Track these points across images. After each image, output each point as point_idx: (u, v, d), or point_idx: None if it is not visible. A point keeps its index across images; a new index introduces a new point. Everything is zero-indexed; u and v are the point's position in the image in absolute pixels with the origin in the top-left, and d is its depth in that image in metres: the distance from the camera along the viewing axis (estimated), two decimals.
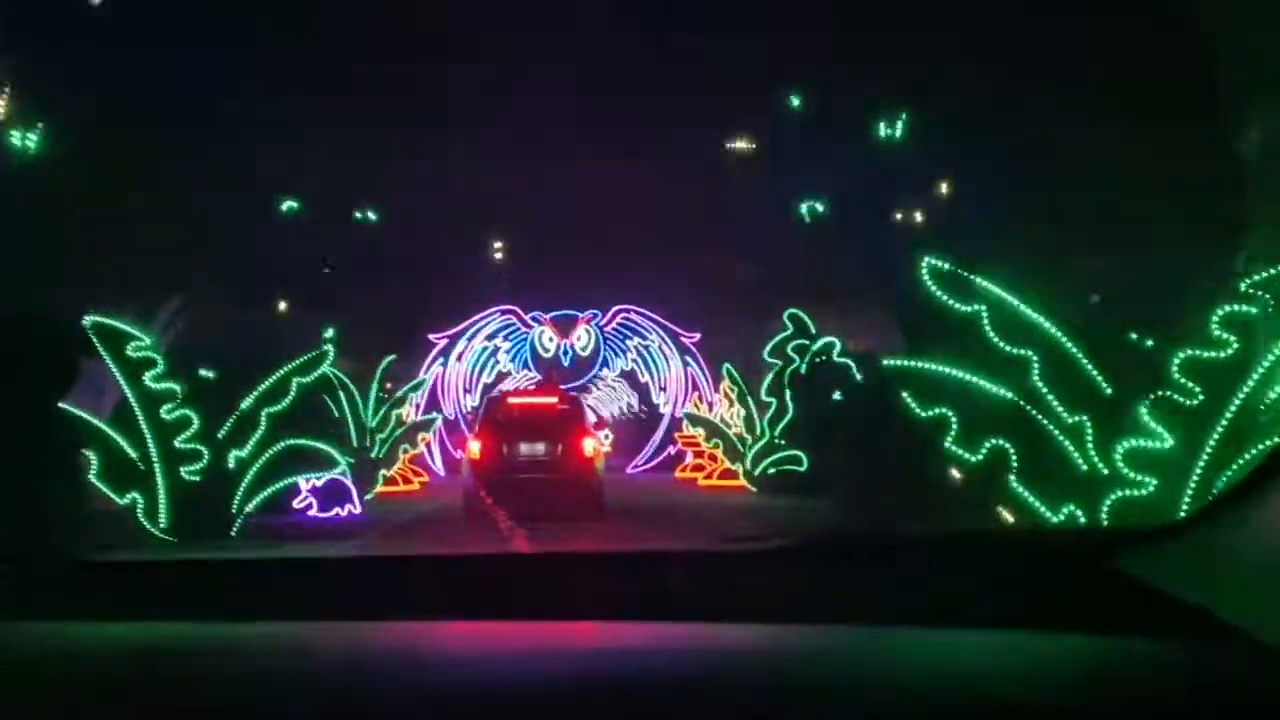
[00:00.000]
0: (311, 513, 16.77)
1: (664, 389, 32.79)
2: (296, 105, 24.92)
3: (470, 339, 32.80)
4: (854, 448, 13.45)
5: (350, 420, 19.35)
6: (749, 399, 20.96)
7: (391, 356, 20.64)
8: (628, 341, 32.93)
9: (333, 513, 16.83)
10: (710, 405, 29.58)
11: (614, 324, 32.98)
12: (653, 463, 32.31)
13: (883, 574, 1.79)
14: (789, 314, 20.33)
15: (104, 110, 19.26)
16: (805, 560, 1.97)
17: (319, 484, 16.70)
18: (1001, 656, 1.46)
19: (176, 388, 11.97)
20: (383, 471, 19.90)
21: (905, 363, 8.69)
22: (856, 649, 1.55)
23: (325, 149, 27.00)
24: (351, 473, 19.07)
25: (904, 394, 8.67)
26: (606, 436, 37.38)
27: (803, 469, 19.84)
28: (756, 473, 20.39)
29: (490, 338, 32.85)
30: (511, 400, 16.46)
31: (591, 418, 23.07)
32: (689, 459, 28.76)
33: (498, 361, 32.87)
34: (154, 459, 11.80)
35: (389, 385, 21.81)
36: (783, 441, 20.20)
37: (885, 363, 9.10)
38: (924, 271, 8.62)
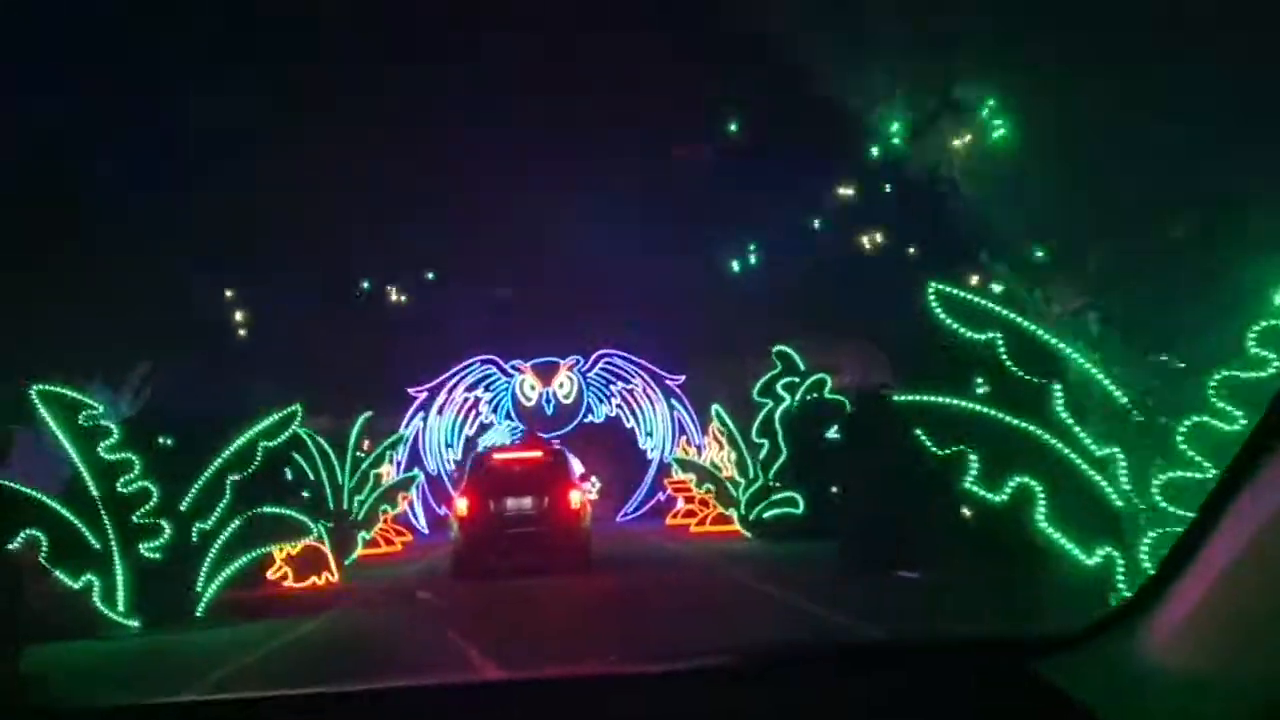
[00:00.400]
0: (287, 583, 15.90)
1: (650, 434, 32.03)
2: (261, 154, 24.30)
3: (450, 391, 32.01)
4: (855, 489, 12.72)
5: (327, 482, 18.51)
6: (740, 441, 20.23)
7: (368, 413, 19.82)
8: (611, 386, 32.21)
9: (309, 582, 15.97)
10: (699, 449, 28.85)
11: (597, 369, 32.28)
12: (642, 510, 31.47)
13: (818, 695, 1.78)
14: (776, 350, 19.69)
15: (54, 166, 18.53)
16: (746, 681, 1.94)
17: (294, 553, 15.87)
18: None
19: (134, 458, 11.14)
20: (363, 534, 19.02)
21: (917, 397, 7.99)
22: None
23: (297, 201, 26.37)
24: (329, 538, 18.25)
25: (917, 432, 7.96)
26: (593, 485, 36.46)
27: (800, 512, 19.09)
28: (752, 517, 19.62)
29: (470, 389, 32.07)
30: (497, 456, 16.40)
31: (577, 469, 22.79)
32: (680, 505, 27.95)
33: (479, 413, 32.06)
34: (110, 537, 10.95)
35: (367, 443, 20.97)
36: (777, 484, 19.46)
37: (895, 398, 8.38)
38: (931, 297, 7.96)
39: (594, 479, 39.54)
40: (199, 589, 11.37)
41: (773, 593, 12.21)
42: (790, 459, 19.35)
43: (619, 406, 32.08)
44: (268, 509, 12.02)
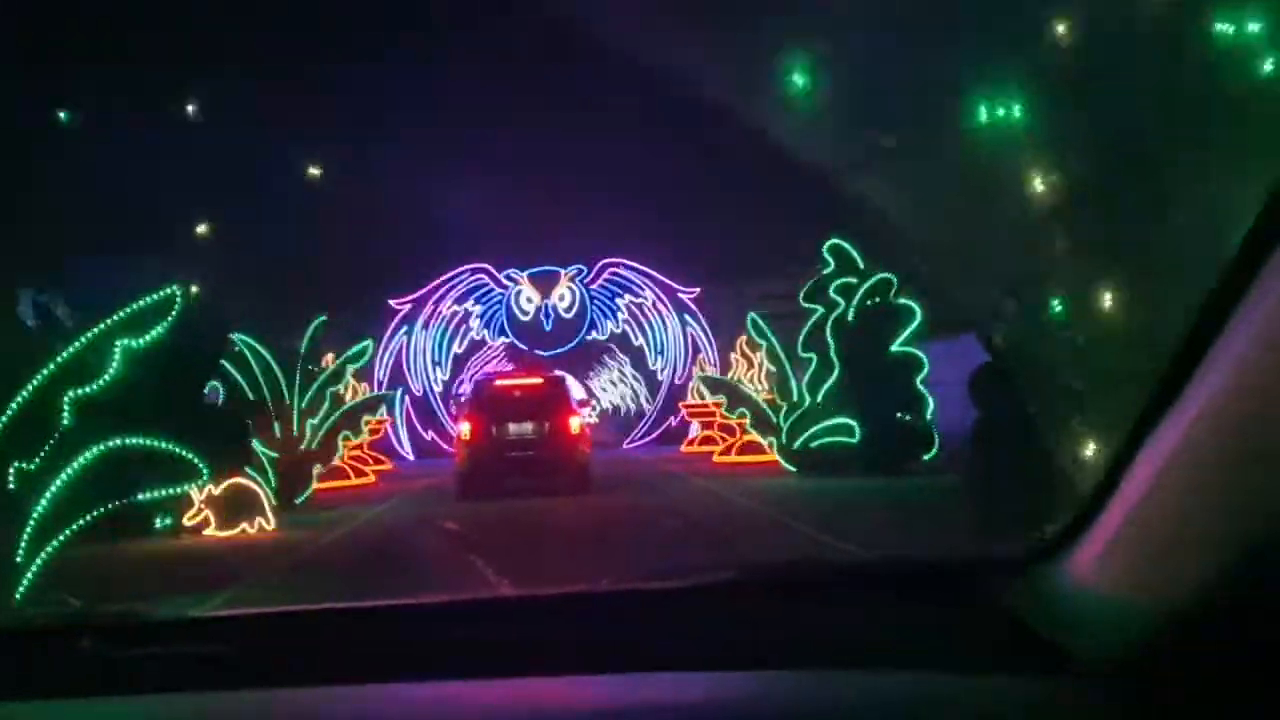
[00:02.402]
0: (209, 531, 11.89)
1: (661, 353, 27.88)
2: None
3: (437, 303, 27.73)
4: (994, 421, 8.59)
5: (270, 403, 14.37)
6: (782, 356, 16.04)
7: (321, 319, 15.35)
8: (618, 300, 27.94)
9: (239, 529, 11.94)
10: (717, 369, 24.71)
11: (601, 280, 27.98)
12: (651, 436, 27.48)
13: (780, 613, 1.73)
14: (829, 245, 15.41)
15: None
16: (719, 600, 1.83)
17: (216, 491, 11.83)
18: (864, 700, 1.46)
19: None
20: (318, 466, 14.91)
21: None
22: (740, 696, 1.51)
23: (252, 75, 21.90)
24: (273, 471, 14.19)
25: None
26: (594, 409, 33.91)
27: (854, 441, 15.06)
28: (795, 447, 15.57)
29: (460, 301, 27.79)
30: (498, 382, 16.45)
31: (577, 394, 21.11)
32: (695, 431, 24.03)
33: (470, 328, 27.83)
34: None
35: (329, 357, 16.77)
36: (828, 408, 15.39)
37: None
38: None
39: (594, 403, 36.04)
40: (19, 559, 7.25)
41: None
42: (843, 378, 15.24)
43: (626, 322, 27.88)
44: (133, 440, 7.83)
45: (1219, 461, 1.13)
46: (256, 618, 1.97)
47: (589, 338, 28.03)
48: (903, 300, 15.00)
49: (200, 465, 8.21)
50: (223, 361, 13.88)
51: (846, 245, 15.34)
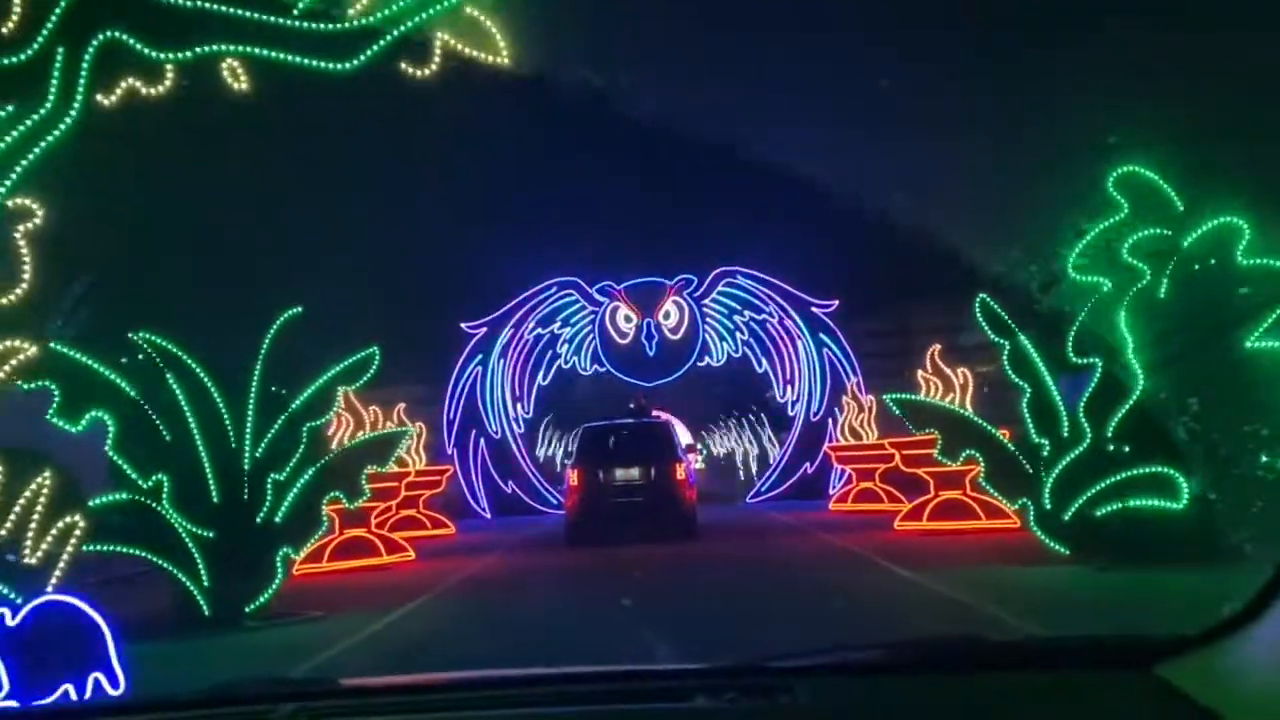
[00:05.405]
0: None
1: (791, 382, 21.24)
2: None
3: (518, 326, 21.69)
4: None
5: (204, 450, 8.27)
6: (1039, 366, 9.17)
7: (294, 310, 8.82)
8: (736, 317, 21.45)
9: (59, 692, 5.81)
10: (861, 406, 17.90)
11: (715, 293, 21.57)
12: (782, 488, 20.75)
13: (942, 694, 1.61)
14: (1119, 178, 8.63)
15: None
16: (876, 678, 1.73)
17: (10, 622, 5.75)
18: None
19: None
20: (286, 550, 8.66)
21: None
22: None
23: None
24: (205, 561, 8.11)
25: None
26: (700, 454, 29.57)
27: (1179, 505, 8.22)
28: (1068, 515, 8.75)
29: (545, 323, 21.68)
30: (603, 428, 14.96)
31: (683, 439, 18.00)
32: (840, 482, 17.40)
33: (557, 354, 21.68)
34: None
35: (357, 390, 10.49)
36: (1124, 449, 8.57)
37: None
38: None
39: (700, 447, 30.27)
40: None
41: None
42: (1155, 398, 8.43)
43: (746, 344, 21.35)
44: None
45: None
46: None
47: (701, 364, 21.62)
48: (1258, 260, 8.15)
49: None
50: (114, 379, 7.94)
51: (1148, 174, 8.58)
